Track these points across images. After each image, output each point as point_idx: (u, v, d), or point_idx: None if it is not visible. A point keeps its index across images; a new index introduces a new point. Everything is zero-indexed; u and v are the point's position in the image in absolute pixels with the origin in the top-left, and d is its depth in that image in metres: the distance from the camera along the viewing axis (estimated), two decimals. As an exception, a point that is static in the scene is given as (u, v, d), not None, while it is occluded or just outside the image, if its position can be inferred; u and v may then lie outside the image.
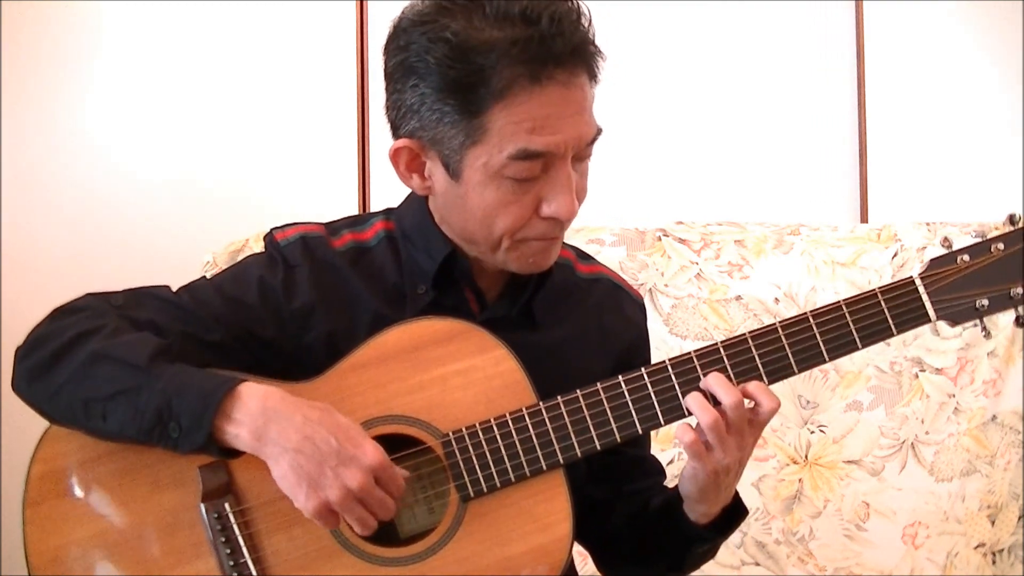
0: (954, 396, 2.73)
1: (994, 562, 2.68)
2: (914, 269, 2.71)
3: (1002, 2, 3.18)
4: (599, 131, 1.58)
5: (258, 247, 2.58)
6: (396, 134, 1.63)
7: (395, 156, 1.64)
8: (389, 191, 3.18)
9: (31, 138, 3.18)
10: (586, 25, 1.54)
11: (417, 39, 1.53)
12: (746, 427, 1.57)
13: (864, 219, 3.27)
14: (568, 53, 1.51)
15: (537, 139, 1.51)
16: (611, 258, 2.76)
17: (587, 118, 1.56)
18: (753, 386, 1.57)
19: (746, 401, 1.57)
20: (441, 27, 1.51)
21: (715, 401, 1.56)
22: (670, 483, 1.84)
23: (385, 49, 1.61)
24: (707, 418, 1.54)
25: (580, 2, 1.55)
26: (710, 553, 1.76)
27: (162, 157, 3.23)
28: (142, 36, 3.22)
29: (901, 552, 2.70)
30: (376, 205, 3.23)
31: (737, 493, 1.70)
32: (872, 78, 3.26)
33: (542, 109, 1.51)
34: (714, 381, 1.56)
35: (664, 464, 1.92)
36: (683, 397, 1.58)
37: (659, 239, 2.87)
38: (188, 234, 3.15)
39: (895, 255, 2.80)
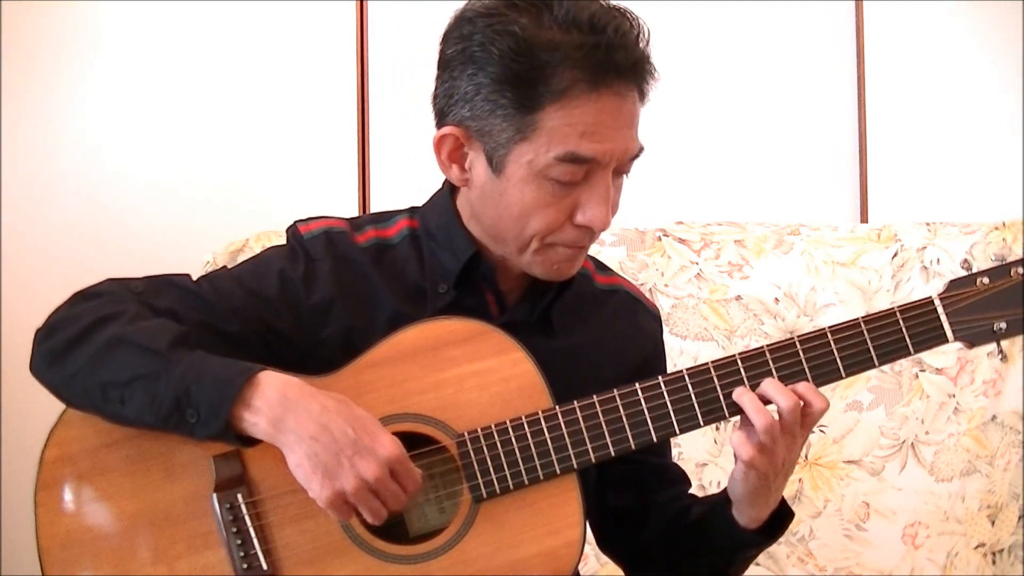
0: (954, 396, 2.74)
1: (994, 562, 2.68)
2: (914, 268, 2.74)
3: (1002, 2, 3.19)
4: (641, 149, 1.61)
5: (259, 247, 2.59)
6: (442, 122, 1.63)
7: (439, 144, 1.63)
8: (389, 191, 3.21)
9: (31, 138, 3.18)
10: (644, 45, 1.57)
11: (482, 30, 1.54)
12: (798, 429, 1.57)
13: (864, 219, 3.27)
14: (629, 67, 1.54)
15: (586, 144, 1.53)
16: (611, 258, 2.76)
17: (634, 133, 1.59)
18: (803, 387, 1.57)
19: None
20: (509, 21, 1.53)
21: (766, 403, 1.57)
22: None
23: (444, 37, 1.61)
24: (762, 421, 1.54)
25: (642, 23, 1.58)
26: (754, 558, 1.76)
27: (162, 157, 3.23)
28: (142, 36, 3.22)
29: (901, 552, 2.70)
30: (376, 205, 3.23)
31: (783, 497, 1.70)
32: (872, 78, 3.26)
33: (596, 116, 1.53)
34: (770, 386, 1.57)
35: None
36: (699, 408, 1.60)
37: (659, 239, 2.87)
38: (188, 234, 3.15)
39: (895, 255, 2.80)
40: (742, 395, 1.58)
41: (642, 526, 1.81)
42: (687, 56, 3.28)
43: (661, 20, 3.20)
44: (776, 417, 1.56)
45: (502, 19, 1.53)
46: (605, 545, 1.89)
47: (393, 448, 1.50)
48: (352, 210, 3.19)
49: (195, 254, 2.83)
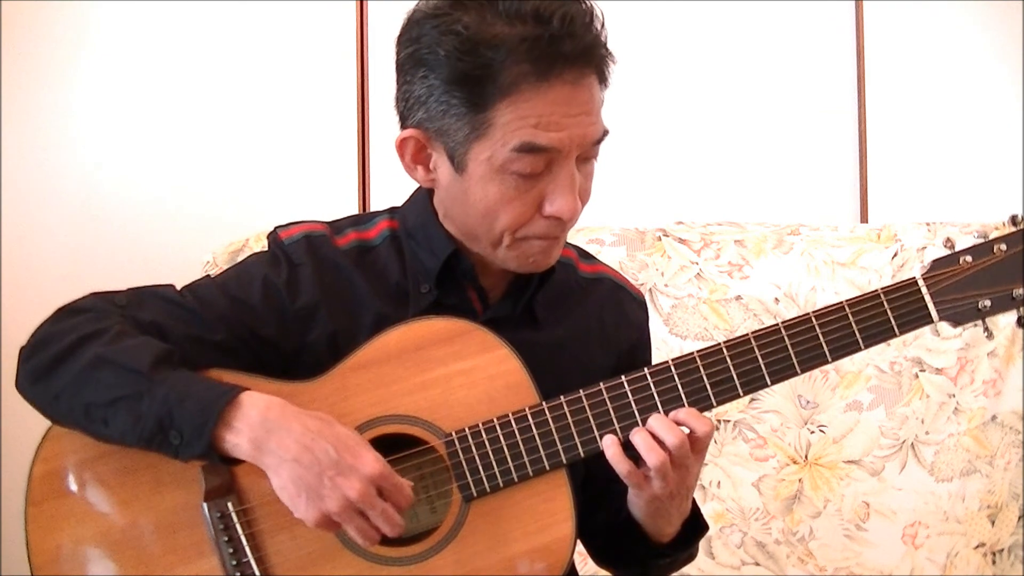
0: (954, 396, 2.73)
1: (994, 562, 2.68)
2: (914, 268, 2.74)
3: (1002, 2, 3.18)
4: (605, 132, 1.58)
5: (258, 247, 2.59)
6: (403, 125, 1.62)
7: (401, 147, 1.63)
8: (389, 191, 3.22)
9: (31, 138, 3.19)
10: (598, 28, 1.55)
11: (429, 31, 1.53)
12: (689, 459, 1.57)
13: (864, 219, 3.27)
14: (577, 53, 1.51)
15: (542, 135, 1.52)
16: (611, 258, 2.76)
17: (593, 119, 1.56)
18: (684, 414, 1.57)
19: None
20: (453, 20, 1.51)
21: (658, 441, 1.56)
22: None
23: (397, 41, 1.61)
24: (656, 459, 1.54)
25: (594, 5, 1.55)
26: (677, 564, 1.77)
27: (162, 157, 3.24)
28: (143, 37, 3.23)
29: (901, 552, 2.70)
30: (376, 205, 3.23)
31: (697, 510, 1.72)
32: (872, 78, 3.27)
33: (547, 107, 1.51)
34: (657, 423, 1.57)
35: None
36: (686, 398, 1.59)
37: (659, 239, 2.87)
38: (188, 234, 3.15)
39: (895, 255, 2.80)
40: (635, 435, 1.57)
41: (595, 514, 1.81)
42: (687, 56, 3.29)
43: (661, 20, 3.25)
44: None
45: (447, 19, 1.52)
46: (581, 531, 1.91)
47: (376, 466, 1.49)
48: (352, 210, 3.18)
49: (195, 254, 2.84)
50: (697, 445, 1.57)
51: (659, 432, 1.56)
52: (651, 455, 1.54)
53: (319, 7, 3.26)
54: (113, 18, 3.22)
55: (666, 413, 1.59)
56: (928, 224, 2.83)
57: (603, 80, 1.58)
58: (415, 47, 1.55)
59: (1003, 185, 3.18)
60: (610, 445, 1.57)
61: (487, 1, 1.52)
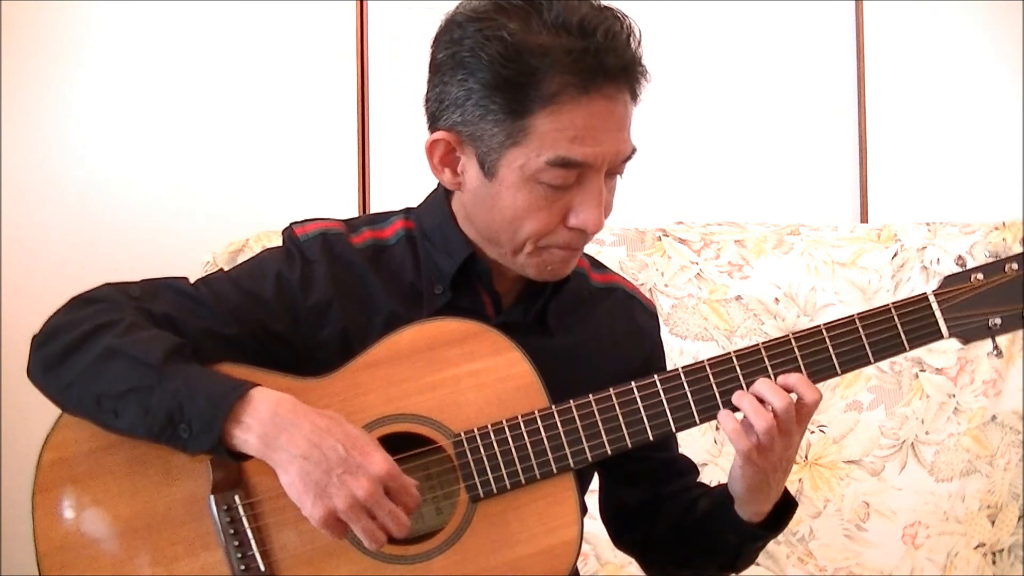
0: (954, 396, 2.74)
1: (994, 562, 2.68)
2: (914, 268, 2.74)
3: (1002, 2, 3.19)
4: (634, 150, 1.60)
5: (258, 247, 2.59)
6: (434, 126, 1.62)
7: (431, 148, 1.63)
8: (389, 191, 3.22)
9: (32, 138, 3.19)
10: (635, 46, 1.56)
11: (472, 34, 1.54)
12: (793, 425, 1.57)
13: (864, 219, 3.28)
14: (619, 69, 1.53)
15: (577, 149, 1.53)
16: (611, 258, 2.76)
17: (626, 135, 1.58)
18: (794, 379, 1.58)
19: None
20: (498, 25, 1.52)
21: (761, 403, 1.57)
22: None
23: (435, 41, 1.61)
24: (763, 423, 1.55)
25: (633, 23, 1.57)
26: (761, 549, 1.77)
27: (162, 157, 3.24)
28: (143, 36, 3.23)
29: (901, 552, 2.70)
30: (376, 205, 3.23)
31: (786, 488, 1.70)
32: (872, 78, 3.27)
33: (586, 120, 1.52)
34: (764, 386, 1.57)
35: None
36: (695, 406, 1.60)
37: (659, 239, 2.87)
38: (188, 234, 3.15)
39: (895, 255, 2.80)
40: (741, 399, 1.58)
41: (653, 521, 1.82)
42: (687, 56, 3.29)
43: (661, 20, 3.26)
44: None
45: (491, 24, 1.52)
46: (619, 540, 1.91)
47: (384, 465, 1.49)
48: (352, 210, 3.20)
49: (195, 254, 2.84)
50: (803, 412, 1.57)
51: (765, 395, 1.56)
52: (758, 418, 1.55)
53: (319, 7, 3.26)
54: (113, 18, 3.22)
55: (674, 421, 1.60)
56: (928, 224, 2.83)
57: (635, 98, 1.59)
58: (455, 49, 1.56)
59: (1003, 185, 3.18)
60: (728, 419, 1.58)
61: (532, 9, 1.53)
